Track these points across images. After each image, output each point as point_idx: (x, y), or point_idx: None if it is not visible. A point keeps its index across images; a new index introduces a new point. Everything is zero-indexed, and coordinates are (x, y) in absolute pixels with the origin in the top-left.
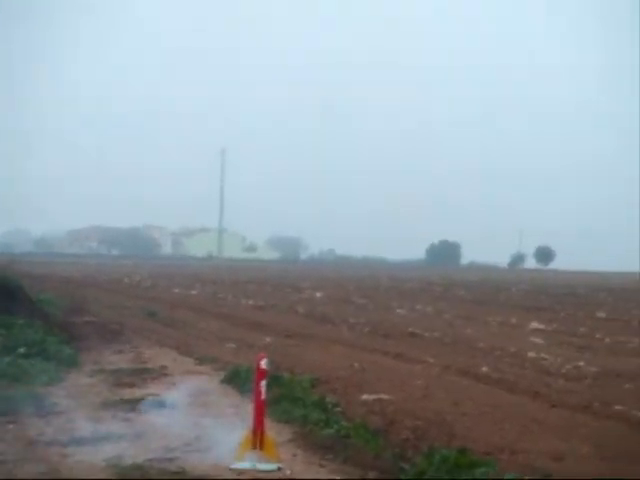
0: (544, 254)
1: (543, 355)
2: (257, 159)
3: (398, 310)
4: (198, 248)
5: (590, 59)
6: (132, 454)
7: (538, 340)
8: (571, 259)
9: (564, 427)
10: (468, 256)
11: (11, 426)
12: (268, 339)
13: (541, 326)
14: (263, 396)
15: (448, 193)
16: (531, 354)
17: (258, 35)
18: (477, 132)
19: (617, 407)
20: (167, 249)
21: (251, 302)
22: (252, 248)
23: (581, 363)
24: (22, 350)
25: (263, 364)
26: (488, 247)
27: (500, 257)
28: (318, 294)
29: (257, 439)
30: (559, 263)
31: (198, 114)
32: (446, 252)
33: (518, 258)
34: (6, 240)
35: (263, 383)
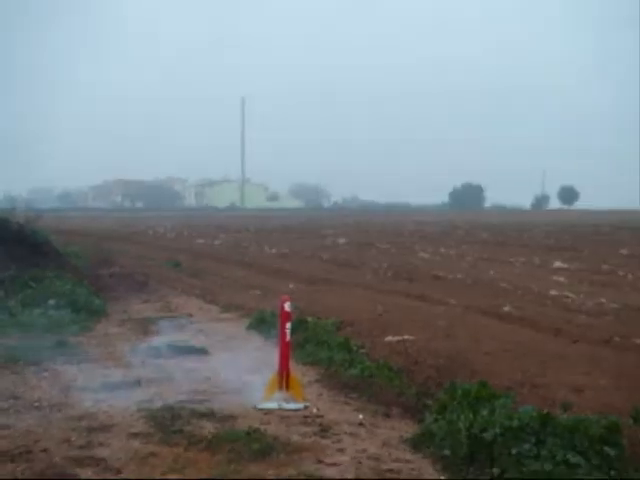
0: (568, 194)
1: (566, 293)
2: (278, 109)
3: (421, 254)
4: (221, 199)
5: None
6: (162, 397)
7: (561, 279)
8: (595, 198)
9: (584, 361)
10: (491, 199)
11: (45, 374)
12: (292, 285)
13: (564, 265)
14: (288, 338)
15: (470, 136)
16: (553, 292)
17: None
18: (497, 75)
19: (637, 340)
20: (190, 201)
21: (274, 250)
22: (275, 197)
23: (603, 300)
24: (52, 302)
25: (287, 307)
26: (511, 189)
27: (524, 199)
28: (341, 240)
29: (283, 380)
30: (583, 203)
31: (219, 65)
32: (469, 195)
33: (542, 199)
34: (31, 197)
35: (288, 325)
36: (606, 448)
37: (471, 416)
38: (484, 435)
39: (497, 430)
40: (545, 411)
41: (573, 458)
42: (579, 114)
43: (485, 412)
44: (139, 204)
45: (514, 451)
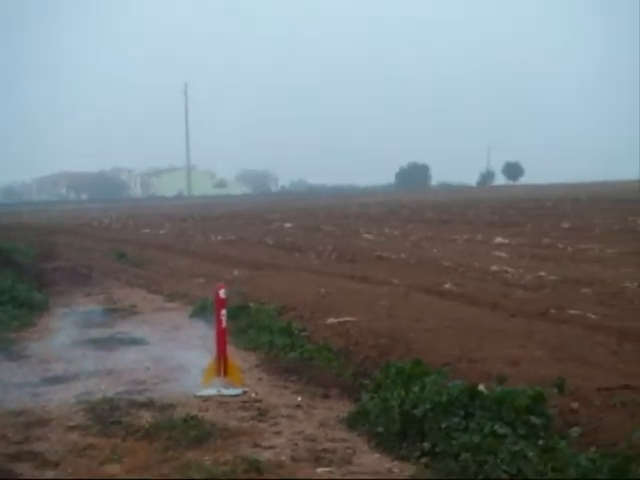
0: (513, 170)
1: (505, 268)
2: (221, 94)
3: (365, 235)
4: (167, 188)
5: None
6: (102, 389)
7: (502, 254)
8: (540, 173)
9: (521, 334)
10: (438, 177)
11: None
12: (236, 272)
13: (505, 240)
14: (224, 324)
15: (414, 116)
16: (494, 268)
17: None
18: (438, 52)
19: (572, 311)
20: (137, 191)
21: (220, 237)
22: (222, 184)
23: (542, 273)
24: None
25: (222, 293)
26: (457, 167)
27: (469, 177)
28: (287, 225)
29: (221, 366)
30: (528, 178)
31: (160, 51)
32: (415, 175)
33: (487, 176)
34: None
35: (223, 312)
36: (532, 418)
37: (403, 393)
38: (415, 411)
39: (427, 406)
40: (474, 385)
41: (500, 429)
42: (524, 89)
43: (416, 389)
44: (84, 196)
45: (443, 425)
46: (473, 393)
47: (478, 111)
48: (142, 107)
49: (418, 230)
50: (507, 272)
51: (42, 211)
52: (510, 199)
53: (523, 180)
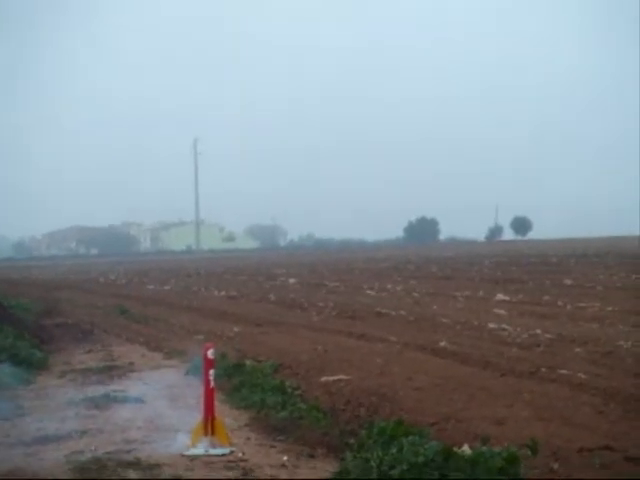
0: (521, 224)
1: (503, 326)
2: (231, 149)
3: (368, 291)
4: (177, 242)
5: None
6: (92, 449)
7: (502, 311)
8: (549, 228)
9: (509, 393)
10: (446, 232)
11: None
12: (236, 329)
13: (506, 297)
14: (212, 385)
15: (424, 171)
16: (492, 325)
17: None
18: (449, 111)
19: (562, 371)
20: (146, 245)
21: (223, 293)
22: (231, 238)
23: (538, 331)
24: None
25: (210, 354)
26: (466, 222)
27: (478, 231)
28: (292, 280)
29: (209, 425)
30: (536, 233)
31: (169, 109)
32: (424, 229)
33: (495, 231)
34: None
35: (211, 372)
36: (503, 479)
37: (381, 454)
38: (392, 472)
39: (404, 467)
40: (450, 446)
41: None
42: (533, 145)
43: (394, 450)
44: (94, 250)
45: None
46: (448, 454)
47: (487, 167)
48: (153, 162)
49: (421, 286)
50: (504, 330)
51: (50, 266)
52: (515, 254)
53: (532, 235)
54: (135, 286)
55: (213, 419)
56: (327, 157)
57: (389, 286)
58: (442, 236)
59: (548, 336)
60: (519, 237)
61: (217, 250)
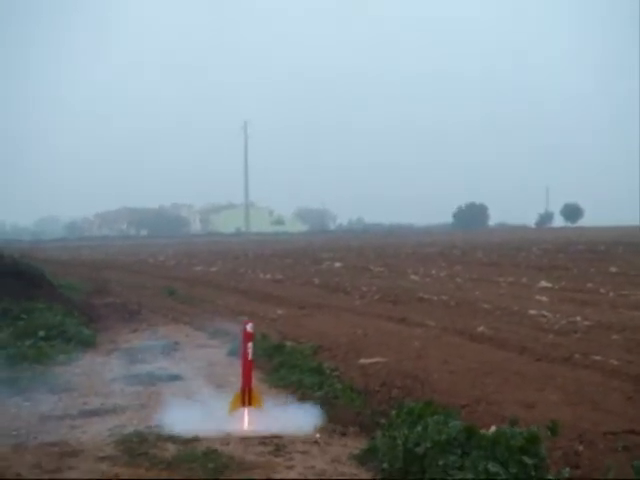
0: (571, 211)
1: (543, 312)
2: (281, 131)
3: (412, 276)
4: (226, 224)
5: None
6: (134, 423)
7: (543, 298)
8: (601, 215)
9: (542, 378)
10: (496, 217)
11: (27, 403)
12: (280, 311)
13: (549, 284)
14: (250, 357)
15: (475, 155)
16: (532, 312)
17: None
18: (499, 91)
19: (596, 357)
20: (196, 227)
21: (269, 276)
22: (280, 221)
23: (577, 318)
24: (42, 333)
25: (249, 328)
26: (516, 207)
27: (528, 217)
28: (337, 264)
29: (246, 396)
30: (588, 220)
31: (222, 91)
32: (473, 214)
33: (546, 217)
34: (38, 228)
35: (250, 345)
36: (525, 458)
37: (407, 432)
38: (416, 449)
39: (428, 444)
40: (472, 425)
41: (493, 468)
42: (585, 130)
43: (420, 428)
44: (144, 231)
45: (441, 463)
46: (470, 433)
47: (538, 152)
48: (203, 144)
49: (465, 272)
50: (544, 316)
51: (101, 246)
52: (564, 241)
53: (583, 222)
54: (183, 267)
55: (250, 390)
56: (378, 144)
57: (433, 271)
58: (492, 222)
59: (587, 323)
60: (569, 224)
61: (266, 233)
